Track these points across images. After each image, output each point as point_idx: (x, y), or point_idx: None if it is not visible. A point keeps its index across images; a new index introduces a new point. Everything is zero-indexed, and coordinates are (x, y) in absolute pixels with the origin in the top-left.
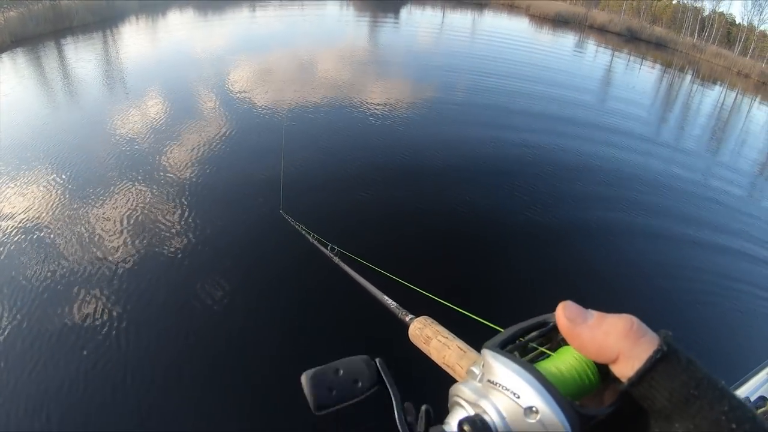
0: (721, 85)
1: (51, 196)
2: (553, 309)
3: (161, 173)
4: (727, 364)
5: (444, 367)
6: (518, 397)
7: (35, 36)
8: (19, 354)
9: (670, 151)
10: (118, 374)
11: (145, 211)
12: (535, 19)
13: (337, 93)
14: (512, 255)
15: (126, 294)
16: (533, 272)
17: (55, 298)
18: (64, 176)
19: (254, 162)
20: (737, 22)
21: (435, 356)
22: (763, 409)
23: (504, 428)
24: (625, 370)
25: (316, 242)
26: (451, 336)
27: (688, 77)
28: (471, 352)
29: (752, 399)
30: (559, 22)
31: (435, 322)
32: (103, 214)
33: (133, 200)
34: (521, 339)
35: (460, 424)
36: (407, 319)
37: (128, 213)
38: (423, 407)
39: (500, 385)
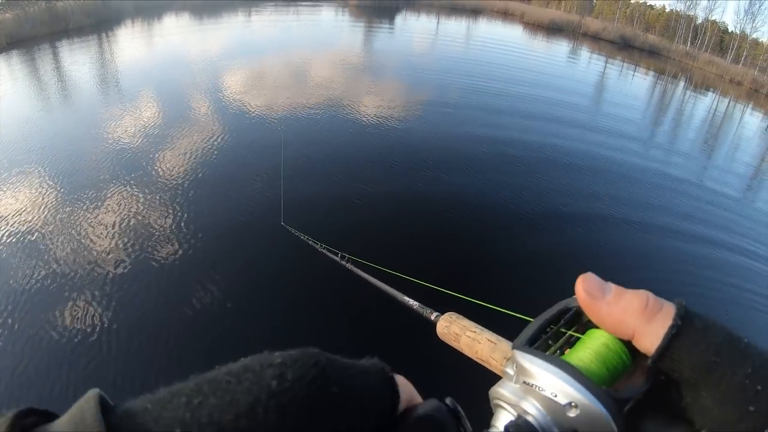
0: (713, 93)
1: (42, 198)
2: (567, 292)
3: (154, 183)
4: None
5: (478, 361)
6: (555, 396)
7: (31, 38)
8: (7, 356)
9: (663, 154)
10: (108, 377)
11: (137, 225)
12: (530, 26)
13: (334, 100)
14: (519, 245)
15: (117, 317)
16: (542, 259)
17: (44, 301)
18: (55, 179)
19: (253, 175)
20: (730, 30)
21: (467, 351)
22: None
23: (548, 426)
24: (645, 346)
25: (325, 251)
26: (479, 329)
27: (681, 84)
28: (501, 343)
29: None
30: (553, 29)
31: (461, 317)
32: (95, 219)
33: (125, 209)
34: (549, 330)
35: (507, 429)
36: (432, 317)
37: (120, 221)
38: (447, 400)
39: (535, 385)
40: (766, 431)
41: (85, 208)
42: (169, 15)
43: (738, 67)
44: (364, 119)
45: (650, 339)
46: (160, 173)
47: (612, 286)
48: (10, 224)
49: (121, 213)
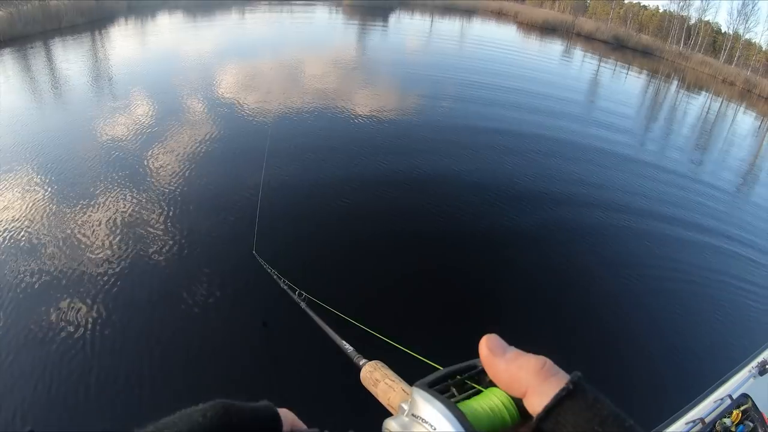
0: (706, 92)
1: (27, 197)
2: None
3: (136, 188)
4: (709, 362)
5: (389, 408)
6: (435, 429)
7: (23, 36)
8: None
9: (654, 154)
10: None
11: (112, 230)
12: (523, 26)
13: (323, 105)
14: (481, 297)
15: (89, 325)
16: (496, 311)
17: (25, 302)
18: (42, 177)
19: (231, 197)
20: (723, 31)
21: (381, 398)
22: (745, 406)
23: None
24: (534, 405)
25: (286, 288)
26: (397, 379)
27: (674, 84)
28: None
29: (734, 396)
30: (546, 29)
31: (385, 366)
32: (81, 219)
33: (104, 214)
34: (451, 379)
35: None
36: (360, 363)
37: (96, 228)
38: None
39: (421, 418)
40: None
41: (68, 206)
42: (163, 14)
43: (731, 68)
44: (351, 138)
45: (540, 398)
46: (142, 177)
47: (513, 348)
48: None
49: (106, 214)
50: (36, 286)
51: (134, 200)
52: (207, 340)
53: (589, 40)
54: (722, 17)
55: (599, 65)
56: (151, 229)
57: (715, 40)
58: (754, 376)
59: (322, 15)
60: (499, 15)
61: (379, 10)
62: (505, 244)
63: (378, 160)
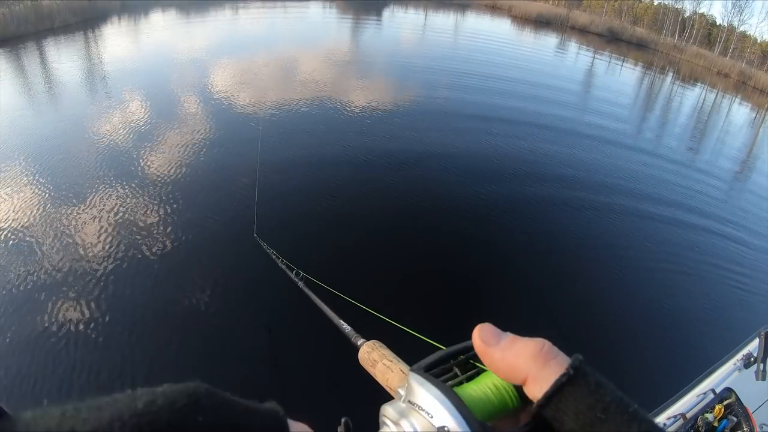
0: (701, 84)
1: (18, 196)
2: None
3: (132, 181)
4: (693, 355)
5: (387, 389)
6: (432, 417)
7: (16, 36)
8: None
9: (650, 142)
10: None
11: (111, 225)
12: (517, 19)
13: (316, 100)
14: (478, 278)
15: (87, 312)
16: (492, 293)
17: (19, 303)
18: (35, 177)
19: (229, 184)
20: (718, 23)
21: (380, 379)
22: (729, 400)
23: None
24: (534, 392)
25: (284, 267)
26: (396, 359)
27: (669, 76)
28: None
29: (717, 390)
30: (540, 22)
31: (383, 346)
32: (75, 217)
33: (101, 210)
34: (447, 363)
35: None
36: (358, 342)
37: (94, 223)
38: (343, 419)
39: (418, 405)
40: None
41: (63, 203)
42: (156, 12)
43: (725, 60)
44: (346, 121)
45: (540, 384)
46: (138, 171)
47: (508, 334)
48: None
49: (94, 215)
50: (34, 279)
51: (132, 192)
52: (211, 328)
53: (583, 33)
54: (717, 10)
55: (594, 58)
56: (151, 221)
57: (709, 33)
58: (739, 369)
59: (315, 10)
60: (494, 8)
61: (372, 5)
62: (505, 225)
63: (375, 142)
